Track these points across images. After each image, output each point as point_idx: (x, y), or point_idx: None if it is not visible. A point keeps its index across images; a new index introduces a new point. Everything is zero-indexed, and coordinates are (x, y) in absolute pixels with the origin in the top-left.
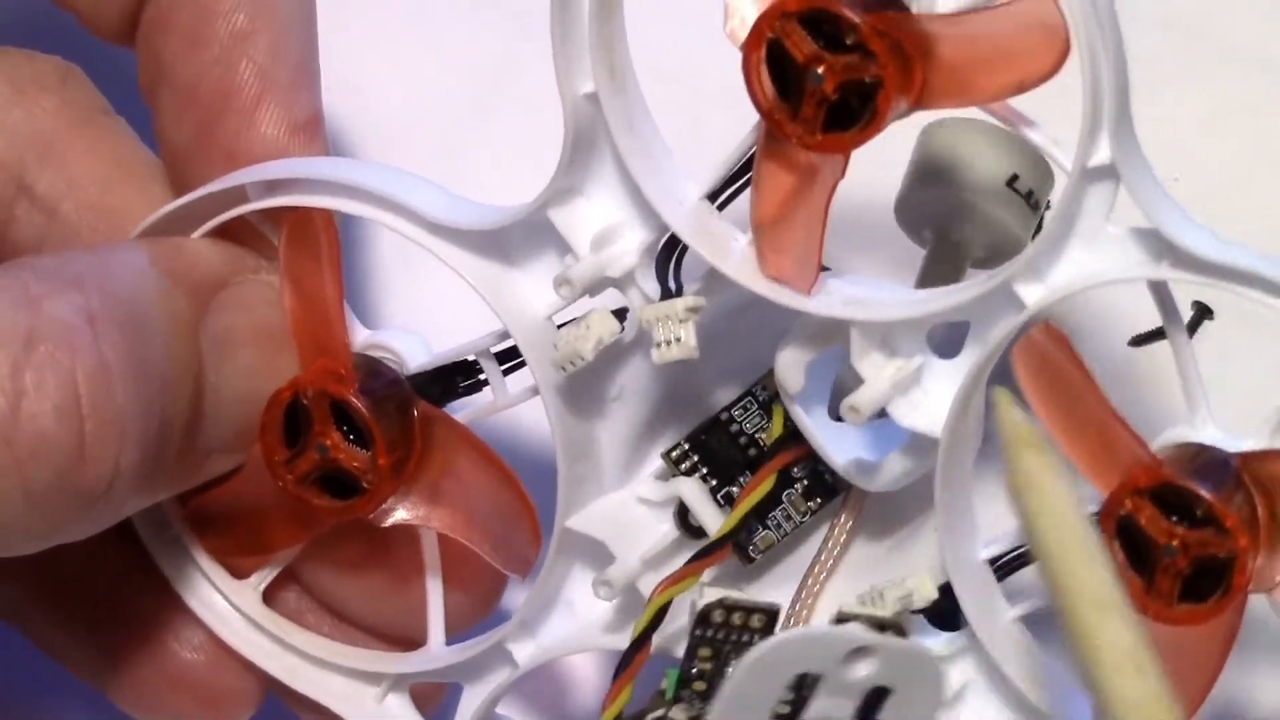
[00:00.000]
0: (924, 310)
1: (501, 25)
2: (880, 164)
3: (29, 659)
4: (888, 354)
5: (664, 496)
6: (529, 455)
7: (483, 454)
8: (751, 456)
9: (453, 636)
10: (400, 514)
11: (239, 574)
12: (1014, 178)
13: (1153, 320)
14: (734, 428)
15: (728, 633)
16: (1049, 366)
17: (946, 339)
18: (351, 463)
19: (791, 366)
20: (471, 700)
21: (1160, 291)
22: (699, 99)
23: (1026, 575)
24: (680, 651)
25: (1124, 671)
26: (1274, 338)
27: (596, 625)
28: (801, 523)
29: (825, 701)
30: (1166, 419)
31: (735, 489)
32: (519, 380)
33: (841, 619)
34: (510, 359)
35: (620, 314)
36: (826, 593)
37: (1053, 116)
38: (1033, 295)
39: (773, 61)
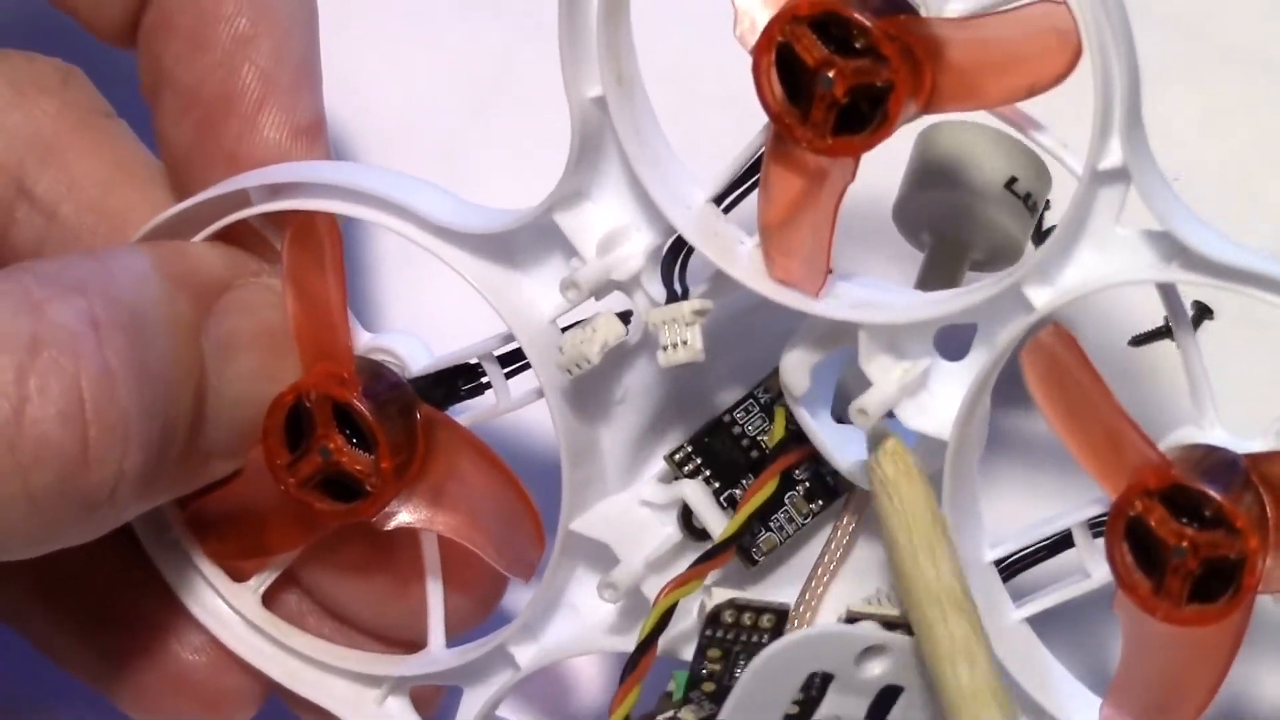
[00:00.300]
0: (933, 313)
1: (501, 26)
2: (876, 165)
3: (30, 661)
4: (895, 356)
5: (667, 499)
6: (531, 458)
7: (485, 457)
8: (754, 459)
9: (453, 638)
10: (403, 517)
11: (239, 577)
12: (1012, 180)
13: (1153, 320)
14: (736, 430)
15: (737, 633)
16: (1058, 368)
17: (953, 341)
18: (354, 466)
19: (797, 369)
20: (472, 703)
21: (1169, 294)
22: (700, 103)
23: (1030, 577)
24: (685, 654)
25: (958, 663)
26: (1274, 338)
27: (599, 627)
28: (804, 525)
29: (836, 700)
30: (1167, 418)
31: (738, 491)
32: (521, 383)
33: (852, 618)
34: (513, 362)
35: (624, 317)
36: (830, 595)
37: (1060, 119)
38: (1041, 297)
39: (782, 65)
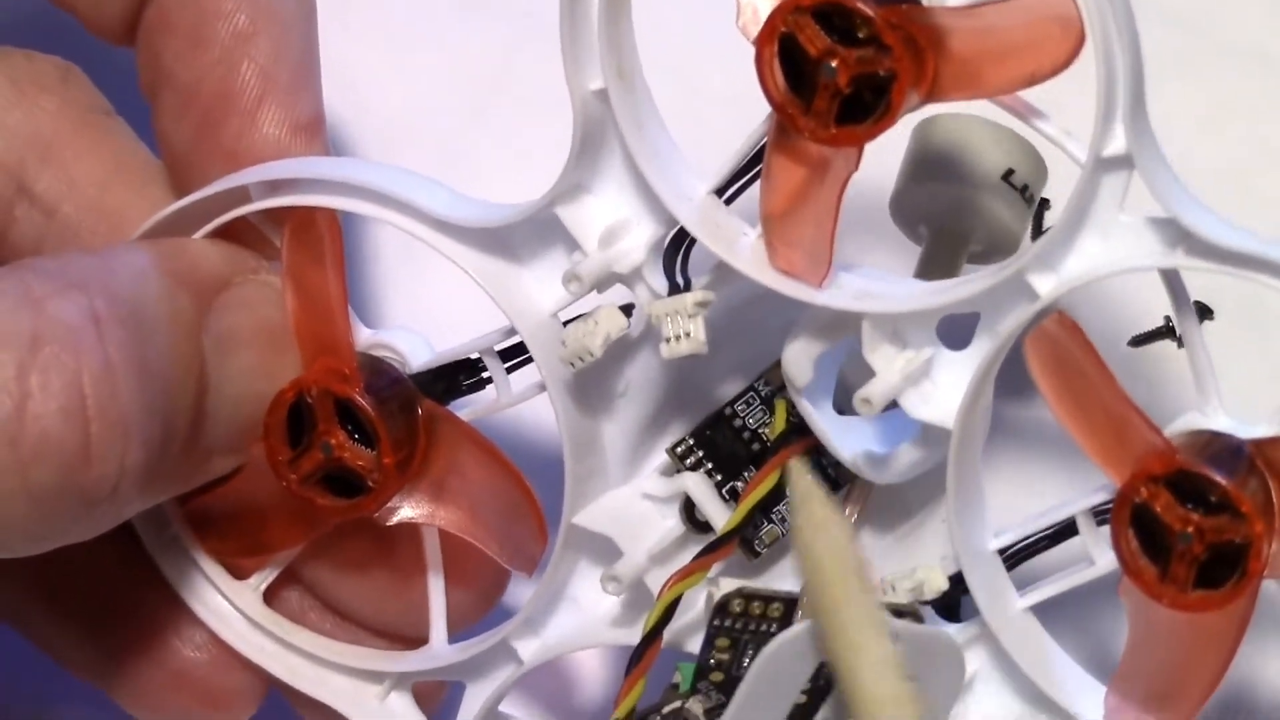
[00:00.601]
0: (936, 302)
1: (502, 25)
2: (873, 157)
3: (30, 660)
4: (898, 346)
5: (669, 492)
6: (532, 451)
7: (487, 451)
8: (755, 451)
9: (455, 633)
10: (405, 512)
11: (239, 574)
12: (1010, 172)
13: (1153, 317)
14: (737, 422)
15: (746, 622)
16: (1062, 356)
17: (955, 330)
18: (356, 462)
19: (799, 360)
20: (475, 698)
21: (1172, 280)
22: (699, 94)
23: (1033, 566)
24: (690, 646)
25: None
26: (1274, 332)
27: (601, 621)
28: None
29: None
30: (1168, 410)
31: (739, 483)
32: (523, 378)
33: None
34: (514, 356)
35: (626, 309)
36: None
37: (1059, 106)
38: (1045, 286)
39: (783, 55)
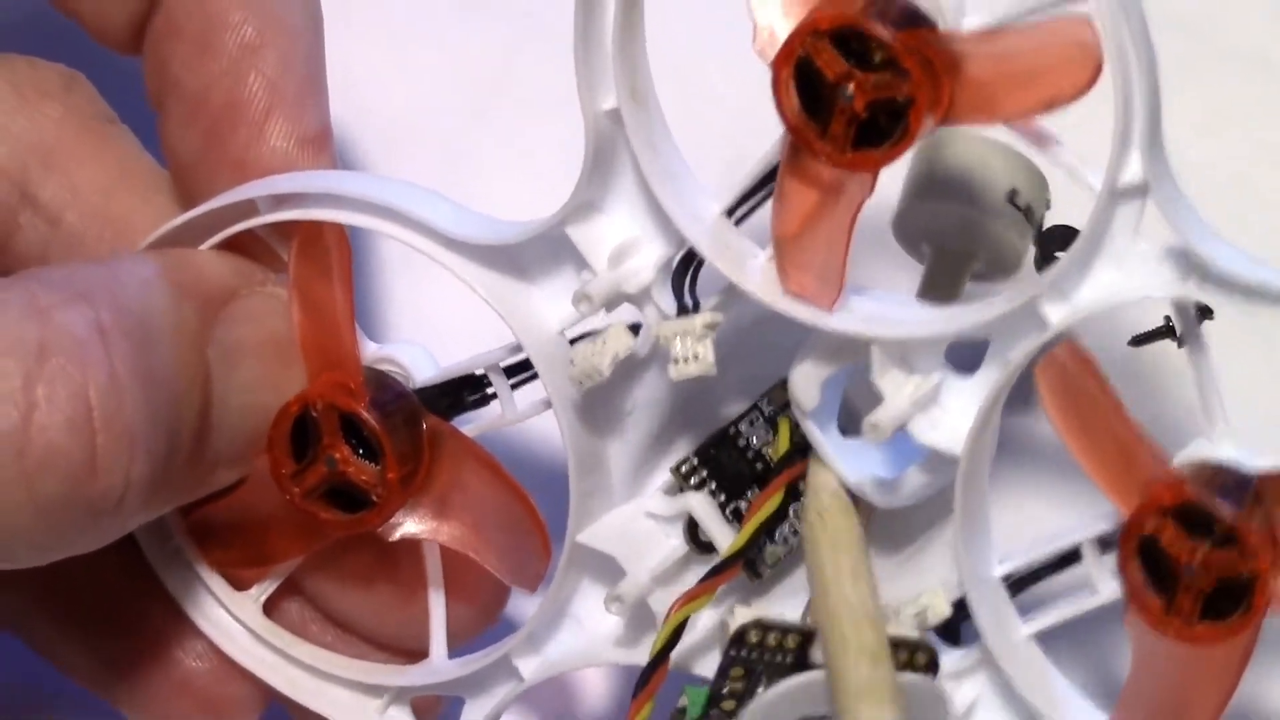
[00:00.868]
0: (948, 328)
1: (502, 25)
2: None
3: (33, 667)
4: (906, 371)
5: (673, 511)
6: (534, 468)
7: (491, 467)
8: (758, 471)
9: (455, 647)
10: (408, 527)
11: (240, 586)
12: (1014, 192)
13: (1152, 321)
14: (741, 442)
15: (761, 653)
16: (1072, 385)
17: (962, 355)
18: (360, 476)
19: (807, 383)
20: (474, 713)
21: (1182, 309)
22: (701, 114)
23: (1035, 594)
24: (695, 668)
25: (861, 660)
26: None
27: (603, 639)
28: None
29: None
30: (1167, 418)
31: (743, 503)
32: (527, 394)
33: None
34: (518, 372)
35: (633, 328)
36: None
37: (1067, 131)
38: (1057, 314)
39: (798, 78)
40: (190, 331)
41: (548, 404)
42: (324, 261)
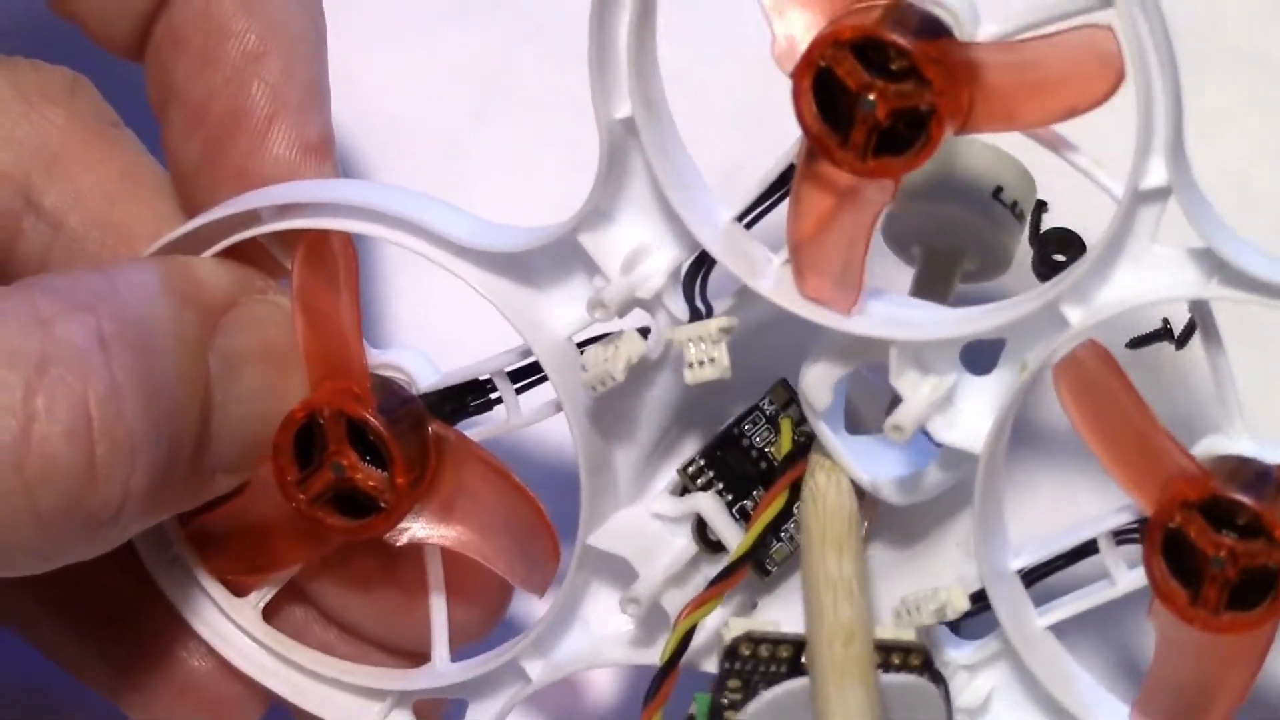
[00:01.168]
0: (966, 330)
1: (501, 27)
2: None
3: (36, 665)
4: (922, 371)
5: (681, 512)
6: (537, 470)
7: (498, 472)
8: (762, 470)
9: (458, 650)
10: (415, 532)
11: (239, 592)
12: (999, 189)
13: (1153, 322)
14: (744, 442)
15: (756, 664)
16: (1093, 383)
17: (976, 355)
18: (368, 483)
19: (819, 384)
20: (478, 716)
21: (1201, 310)
22: (702, 119)
23: (1048, 585)
24: (704, 666)
25: (836, 639)
26: (1272, 345)
27: (610, 640)
28: None
29: None
30: (1166, 419)
31: (749, 503)
32: (531, 399)
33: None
34: (523, 377)
35: (642, 332)
36: None
37: (1081, 135)
38: (1077, 315)
39: (814, 85)
40: (191, 340)
41: (557, 408)
42: (329, 269)
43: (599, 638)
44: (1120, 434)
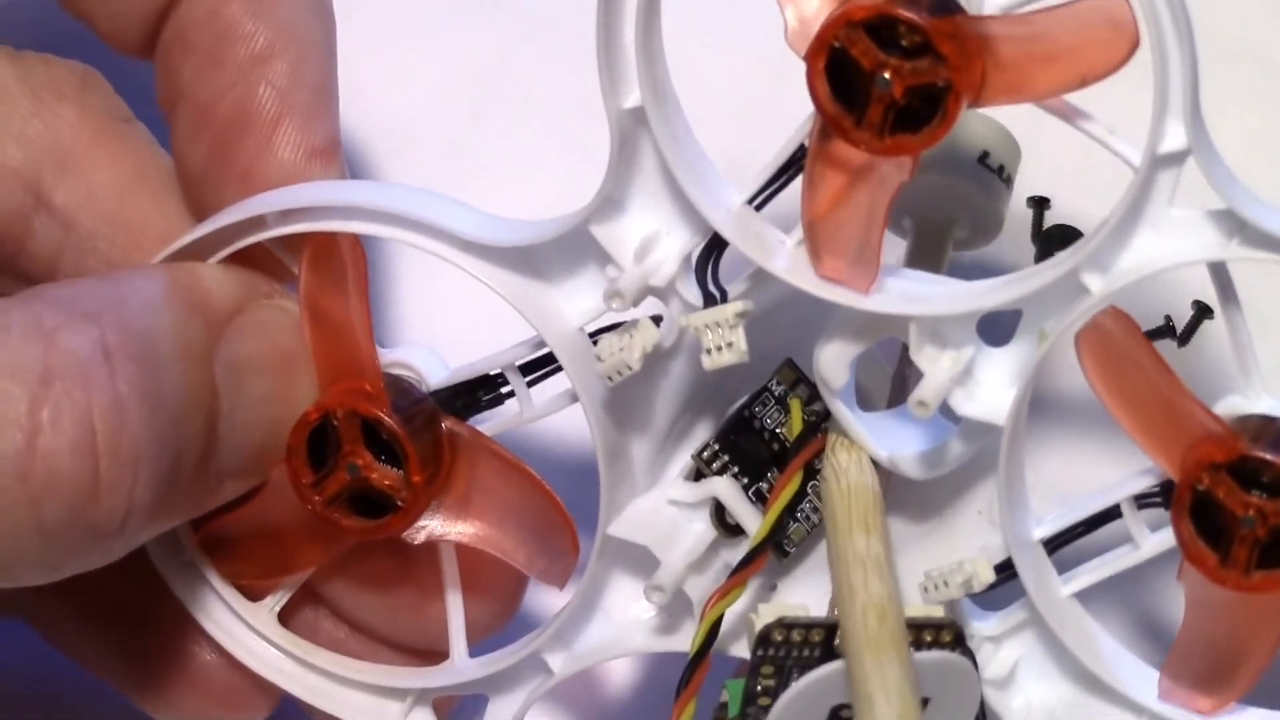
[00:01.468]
0: (985, 303)
1: (501, 26)
2: None
3: (48, 658)
4: (939, 346)
5: (698, 497)
6: (551, 462)
7: (513, 466)
8: (775, 451)
9: (474, 644)
10: (432, 529)
11: (253, 596)
12: (985, 155)
13: (1153, 318)
14: (756, 424)
15: (789, 650)
16: (1116, 350)
17: (991, 326)
18: (384, 482)
19: (835, 363)
20: (499, 710)
21: (1219, 272)
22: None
23: (1069, 554)
24: (732, 650)
25: (870, 614)
26: (1272, 330)
27: (631, 629)
28: None
29: None
30: None
31: (763, 484)
32: (542, 391)
33: None
34: (533, 370)
35: (655, 320)
36: None
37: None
38: (1097, 283)
39: (828, 68)
40: (197, 349)
41: (570, 399)
42: (337, 271)
43: (621, 627)
44: (1144, 399)
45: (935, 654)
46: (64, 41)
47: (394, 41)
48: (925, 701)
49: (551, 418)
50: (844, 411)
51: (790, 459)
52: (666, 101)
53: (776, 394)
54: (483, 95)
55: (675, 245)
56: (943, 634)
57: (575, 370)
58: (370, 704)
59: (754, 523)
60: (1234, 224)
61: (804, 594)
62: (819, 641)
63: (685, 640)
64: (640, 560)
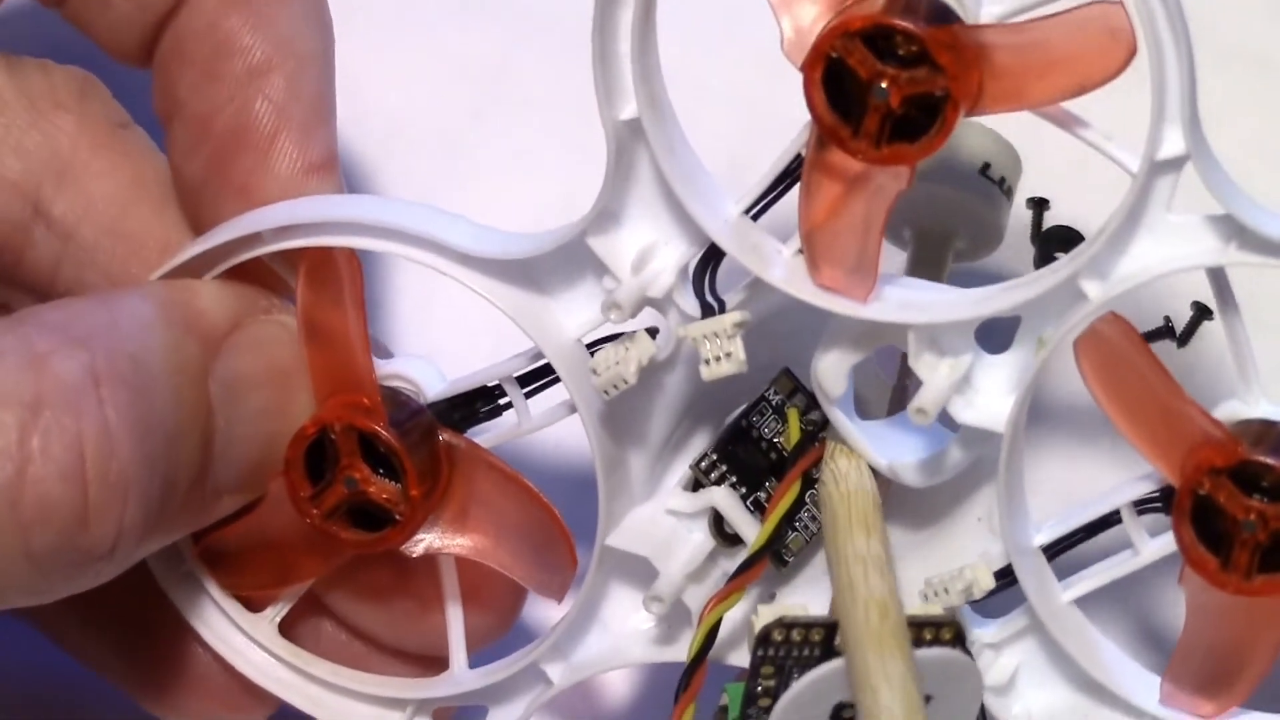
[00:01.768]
0: (983, 310)
1: (501, 27)
2: None
3: (49, 657)
4: (938, 353)
5: (696, 507)
6: (548, 474)
7: (511, 479)
8: (773, 460)
9: (473, 654)
10: (431, 542)
11: (253, 607)
12: (986, 166)
13: (1153, 318)
14: (754, 434)
15: (789, 649)
16: (1115, 356)
17: (988, 333)
18: (382, 495)
19: (833, 371)
20: None
21: (1218, 276)
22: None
23: (1069, 560)
24: (730, 659)
25: (871, 610)
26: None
27: (631, 639)
28: None
29: None
30: None
31: (761, 494)
32: (539, 403)
33: None
34: (531, 382)
35: (650, 332)
36: None
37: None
38: (1096, 289)
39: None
40: (191, 369)
41: (567, 410)
42: (334, 285)
43: (619, 637)
44: (1144, 405)
45: (936, 651)
46: (64, 49)
47: (393, 41)
48: (927, 699)
49: (549, 429)
50: (843, 420)
51: (788, 468)
52: (663, 112)
53: (774, 403)
54: (481, 95)
55: (672, 256)
56: (943, 632)
57: (573, 382)
58: (370, 714)
59: (752, 532)
60: (1232, 229)
61: (803, 601)
62: (819, 641)
63: (683, 651)
64: (639, 571)
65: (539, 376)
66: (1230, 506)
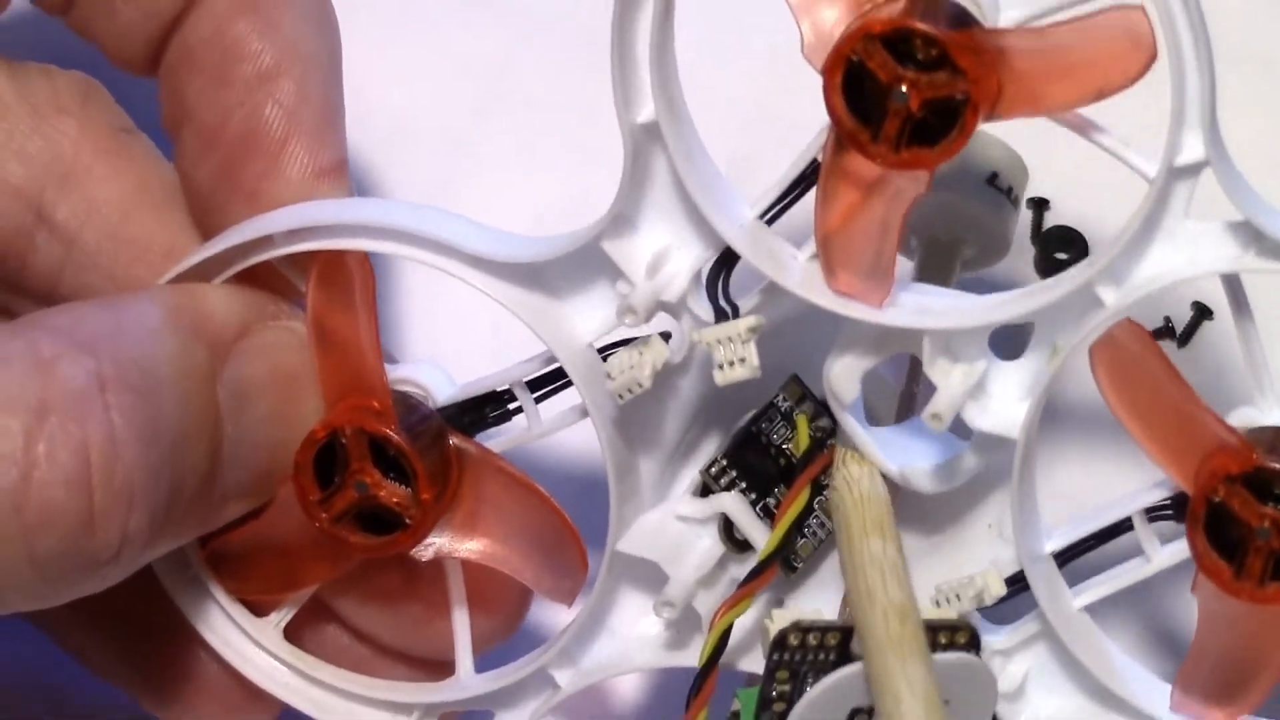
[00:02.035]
0: (999, 316)
1: (501, 26)
2: None
3: (51, 657)
4: (952, 359)
5: (706, 513)
6: (558, 480)
7: (521, 483)
8: (782, 466)
9: (479, 657)
10: (441, 546)
11: (259, 612)
12: (994, 175)
13: (1153, 318)
14: (763, 440)
15: (804, 653)
16: (1130, 363)
17: (1002, 339)
18: (392, 499)
19: (846, 377)
20: None
21: (1232, 283)
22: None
23: (1080, 567)
24: (741, 665)
25: (890, 616)
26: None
27: (640, 644)
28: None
29: None
30: None
31: (771, 500)
32: (550, 407)
33: None
34: (541, 386)
35: (664, 336)
36: None
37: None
38: (1112, 295)
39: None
40: (199, 374)
41: (579, 415)
42: (345, 289)
43: (628, 642)
44: (1159, 412)
45: (953, 655)
46: (69, 55)
47: (395, 40)
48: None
49: (559, 434)
50: (855, 426)
51: (797, 474)
52: (680, 116)
53: (783, 410)
54: (484, 94)
55: (687, 260)
56: (958, 635)
57: (586, 386)
58: (376, 719)
59: (762, 538)
60: (1250, 235)
61: (815, 607)
62: (834, 645)
63: (692, 656)
64: (648, 576)
65: (549, 381)
66: (1244, 513)
